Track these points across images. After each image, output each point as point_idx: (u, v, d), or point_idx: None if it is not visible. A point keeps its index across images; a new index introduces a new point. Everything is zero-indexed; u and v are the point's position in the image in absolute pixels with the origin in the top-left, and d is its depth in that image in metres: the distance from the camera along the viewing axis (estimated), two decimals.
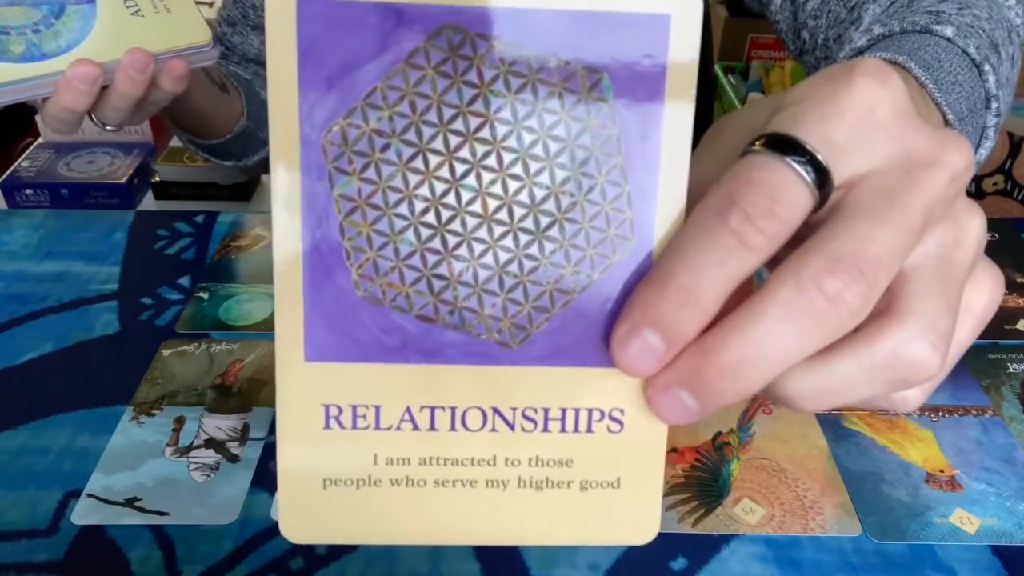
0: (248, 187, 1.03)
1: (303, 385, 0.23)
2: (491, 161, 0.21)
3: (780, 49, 1.69)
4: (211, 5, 1.04)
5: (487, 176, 0.22)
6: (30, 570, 0.42)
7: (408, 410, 0.23)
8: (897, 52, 0.38)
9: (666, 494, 0.46)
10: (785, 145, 0.21)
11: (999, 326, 0.60)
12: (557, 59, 0.21)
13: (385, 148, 0.21)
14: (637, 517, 0.24)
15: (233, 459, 0.48)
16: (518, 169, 0.21)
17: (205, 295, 0.62)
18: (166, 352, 0.56)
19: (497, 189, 0.22)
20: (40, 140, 1.15)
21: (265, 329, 0.58)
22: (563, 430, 0.23)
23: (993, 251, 0.61)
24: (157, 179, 1.05)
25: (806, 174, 0.21)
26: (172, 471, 0.47)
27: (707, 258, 0.20)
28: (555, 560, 0.43)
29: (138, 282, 0.63)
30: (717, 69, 1.64)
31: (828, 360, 0.22)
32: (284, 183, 0.21)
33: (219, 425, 0.51)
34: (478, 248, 0.22)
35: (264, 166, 0.81)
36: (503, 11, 0.21)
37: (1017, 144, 1.15)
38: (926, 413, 0.52)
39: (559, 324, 0.22)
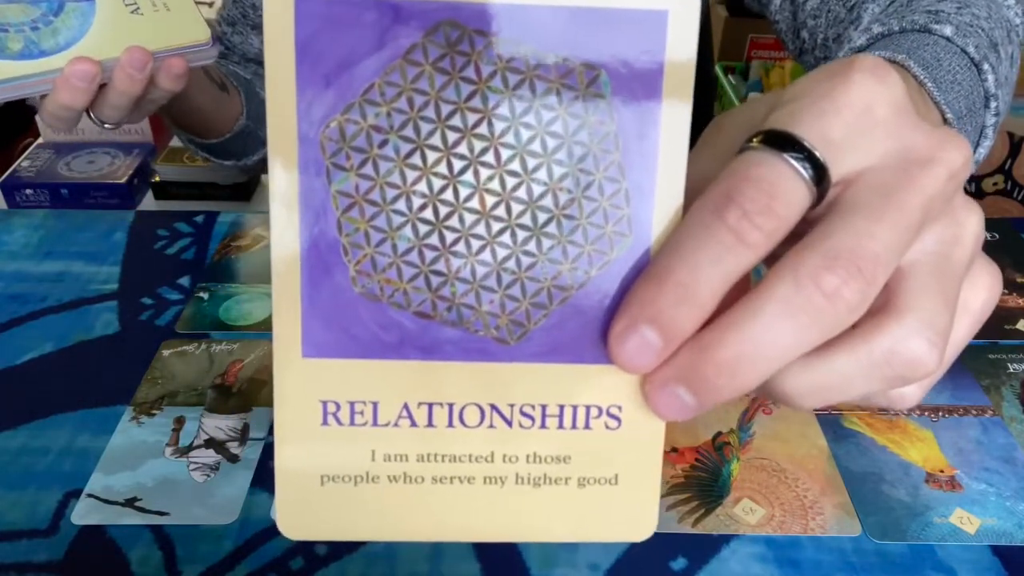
0: (248, 187, 1.03)
1: (301, 381, 0.23)
2: (489, 157, 0.21)
3: (780, 49, 1.69)
4: (211, 5, 1.04)
5: (485, 172, 0.22)
6: (30, 570, 0.42)
7: (406, 406, 0.23)
8: (896, 51, 0.38)
9: (666, 494, 0.46)
10: (783, 142, 0.21)
11: (999, 326, 0.59)
12: (555, 55, 0.21)
13: (383, 144, 0.21)
14: (635, 514, 0.24)
15: (233, 459, 0.48)
16: (516, 165, 0.21)
17: (205, 295, 0.62)
18: (166, 352, 0.56)
19: (495, 185, 0.22)
20: (40, 140, 1.15)
21: (265, 329, 0.58)
22: (561, 427, 0.23)
23: (993, 251, 0.61)
24: (157, 179, 1.05)
25: (804, 171, 0.21)
26: (172, 471, 0.47)
27: (705, 255, 0.20)
28: (555, 560, 0.43)
29: (138, 282, 0.63)
30: (717, 69, 1.64)
31: (826, 357, 0.22)
32: (282, 179, 0.21)
33: (219, 425, 0.51)
34: (476, 244, 0.22)
35: (264, 165, 0.81)
36: (501, 7, 0.21)
37: (1017, 144, 1.15)
38: (926, 413, 0.52)
39: (557, 321, 0.22)
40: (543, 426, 0.23)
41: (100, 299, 0.61)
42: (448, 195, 0.22)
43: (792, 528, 0.44)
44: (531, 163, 0.21)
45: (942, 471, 0.48)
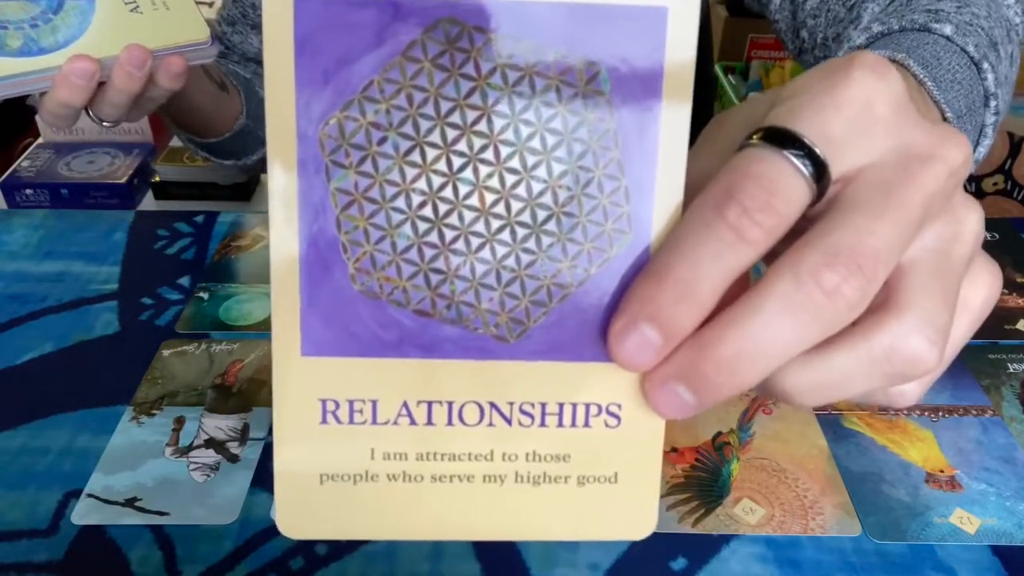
0: (248, 187, 1.03)
1: (300, 380, 0.23)
2: (488, 155, 0.21)
3: (780, 49, 1.69)
4: (211, 5, 1.04)
5: (484, 170, 0.21)
6: (30, 570, 0.42)
7: (405, 405, 0.23)
8: (896, 50, 0.38)
9: (666, 494, 0.46)
10: (783, 138, 0.21)
11: (999, 326, 0.59)
12: (554, 52, 0.21)
13: (382, 141, 0.21)
14: (634, 512, 0.24)
15: (233, 459, 0.48)
16: (515, 163, 0.21)
17: (205, 295, 0.62)
18: (166, 352, 0.56)
19: (494, 183, 0.22)
20: (40, 140, 1.15)
21: (265, 329, 0.58)
22: (560, 425, 0.23)
23: (993, 251, 0.61)
24: (157, 179, 1.05)
25: (804, 168, 0.21)
26: (172, 471, 0.47)
27: (705, 252, 0.20)
28: (555, 560, 0.43)
29: (138, 282, 0.63)
30: (717, 69, 1.64)
31: (825, 354, 0.22)
32: (281, 177, 0.21)
33: (219, 425, 0.51)
34: (475, 242, 0.22)
35: (264, 165, 0.81)
36: (500, 4, 0.21)
37: (1017, 144, 1.15)
38: (926, 413, 0.52)
39: (556, 318, 0.22)
40: (543, 424, 0.23)
41: (100, 299, 0.61)
42: (447, 192, 0.22)
43: (792, 528, 0.44)
44: (530, 160, 0.21)
45: (942, 471, 0.48)
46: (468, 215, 0.22)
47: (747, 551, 0.43)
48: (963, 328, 0.24)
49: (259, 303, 0.61)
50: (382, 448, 0.23)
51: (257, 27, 0.82)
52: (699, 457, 0.49)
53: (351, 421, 0.23)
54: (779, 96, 0.23)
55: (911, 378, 0.22)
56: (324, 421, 0.23)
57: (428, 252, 0.22)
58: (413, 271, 0.22)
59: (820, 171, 0.21)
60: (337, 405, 0.23)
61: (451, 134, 0.21)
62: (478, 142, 0.21)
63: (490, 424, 0.23)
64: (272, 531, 0.44)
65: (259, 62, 0.83)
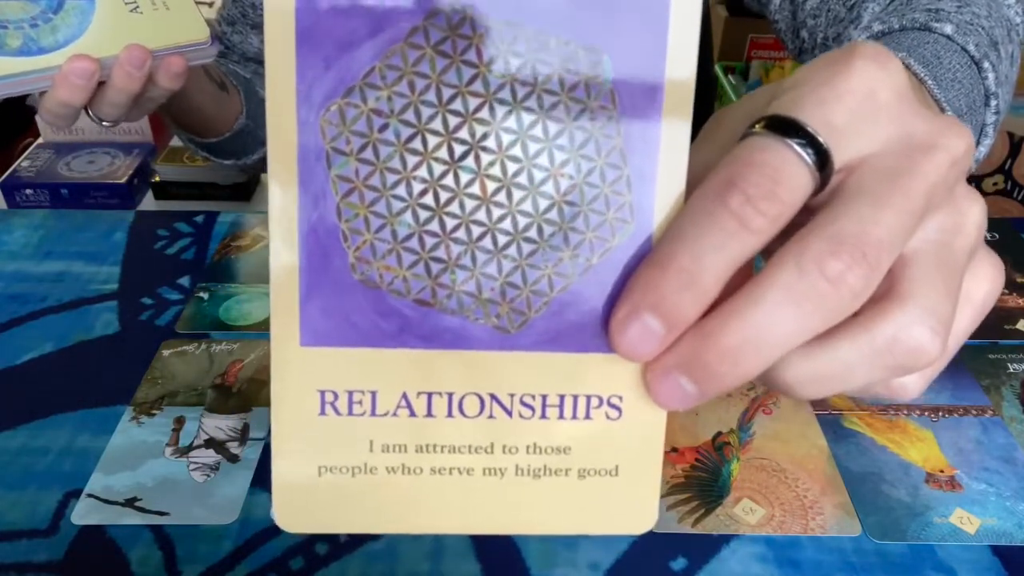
0: (248, 187, 1.03)
1: (299, 371, 0.23)
2: (490, 142, 0.21)
3: (780, 49, 1.69)
4: (211, 5, 1.04)
5: (486, 158, 0.21)
6: (30, 570, 0.42)
7: (405, 396, 0.23)
8: (896, 49, 0.38)
9: (666, 494, 0.46)
10: (786, 127, 0.21)
11: (999, 326, 0.59)
12: (557, 39, 0.21)
13: (383, 128, 0.21)
14: (635, 506, 0.24)
15: (233, 459, 0.48)
16: (517, 151, 0.21)
17: (205, 295, 0.62)
18: (166, 352, 0.56)
19: (496, 171, 0.21)
20: (40, 140, 1.15)
21: (265, 329, 0.58)
22: (561, 417, 0.23)
23: (993, 251, 0.61)
24: (157, 179, 1.05)
25: (807, 156, 0.21)
26: (172, 471, 0.47)
27: (708, 240, 0.20)
28: (555, 559, 0.43)
29: (138, 282, 0.63)
30: (717, 69, 1.64)
31: (828, 345, 0.22)
32: (281, 165, 0.21)
33: (219, 425, 0.51)
34: (476, 231, 0.22)
35: (264, 165, 0.81)
36: None
37: (1017, 144, 1.15)
38: (926, 413, 0.52)
39: (557, 309, 0.22)
40: (543, 416, 0.23)
41: (100, 299, 0.61)
42: (448, 180, 0.21)
43: (792, 528, 0.44)
44: (532, 148, 0.21)
45: (942, 471, 0.48)
46: (469, 203, 0.22)
47: (747, 551, 0.43)
48: (965, 321, 0.24)
49: (259, 303, 0.61)
50: (381, 440, 0.23)
51: (257, 27, 0.82)
52: (699, 457, 0.49)
53: (350, 412, 0.23)
54: (781, 88, 0.23)
55: (913, 369, 0.22)
56: (323, 412, 0.23)
57: (429, 241, 0.22)
58: (413, 260, 0.22)
59: (823, 159, 0.21)
60: (336, 396, 0.23)
61: (452, 121, 0.21)
62: (479, 130, 0.21)
63: (490, 416, 0.23)
64: (272, 531, 0.44)
65: (259, 62, 0.83)
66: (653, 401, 0.22)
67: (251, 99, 0.78)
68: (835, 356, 0.22)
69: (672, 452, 0.49)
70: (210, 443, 0.49)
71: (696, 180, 0.21)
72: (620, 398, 0.23)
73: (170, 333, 0.58)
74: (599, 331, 0.22)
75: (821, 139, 0.21)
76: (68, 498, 0.46)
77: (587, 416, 0.23)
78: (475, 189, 0.21)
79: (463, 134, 0.21)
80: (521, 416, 0.23)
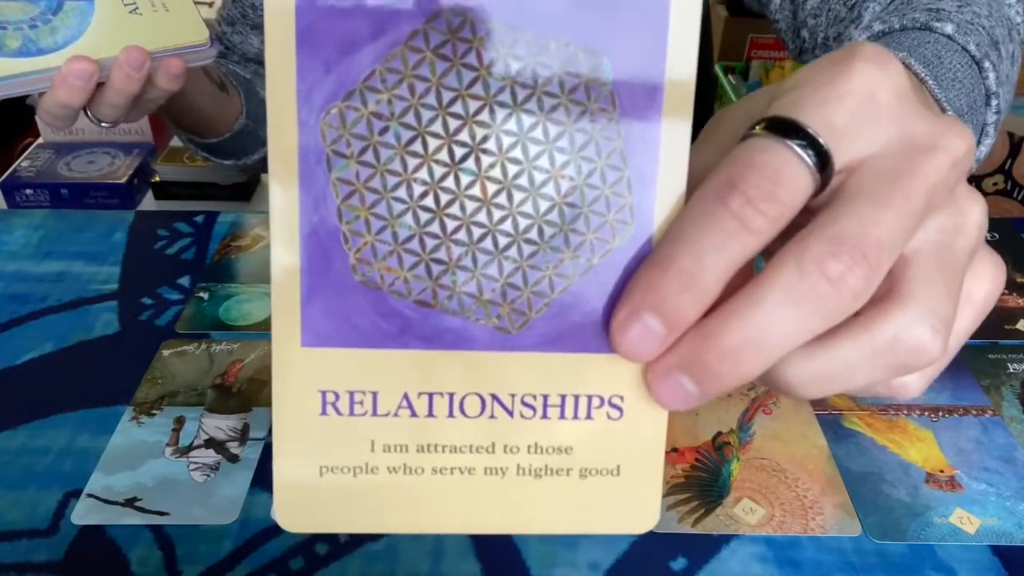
0: (248, 187, 1.03)
1: (300, 371, 0.23)
2: (490, 145, 0.21)
3: (780, 49, 1.69)
4: (211, 5, 1.04)
5: (486, 160, 0.21)
6: (30, 570, 0.42)
7: (406, 396, 0.23)
8: (897, 49, 0.38)
9: (666, 494, 0.46)
10: (786, 128, 0.21)
11: (999, 326, 0.59)
12: (557, 41, 0.21)
13: (384, 131, 0.21)
14: (637, 505, 0.24)
15: (233, 459, 0.48)
16: (517, 153, 0.21)
17: (205, 295, 0.62)
18: (166, 352, 0.56)
19: (496, 173, 0.21)
20: (40, 140, 1.15)
21: (265, 329, 0.58)
22: (562, 417, 0.23)
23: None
24: (157, 179, 1.05)
25: (807, 157, 0.21)
26: (172, 471, 0.47)
27: (708, 241, 0.20)
28: (555, 559, 0.43)
29: (138, 282, 0.63)
30: (717, 69, 1.64)
31: (828, 345, 0.22)
32: (281, 167, 0.21)
33: (219, 425, 0.51)
34: (477, 232, 0.22)
35: (264, 165, 0.81)
36: None
37: (1017, 144, 1.15)
38: (926, 413, 0.52)
39: (558, 310, 0.22)
40: (544, 416, 0.23)
41: (100, 299, 0.61)
42: (449, 183, 0.21)
43: (792, 528, 0.44)
44: (533, 150, 0.21)
45: (942, 471, 0.48)
46: (470, 205, 0.22)
47: (747, 551, 0.43)
48: (966, 321, 0.24)
49: (259, 303, 0.61)
50: (382, 440, 0.23)
51: (257, 27, 0.82)
52: (699, 457, 0.49)
53: (351, 413, 0.23)
54: (781, 89, 0.23)
55: (914, 369, 0.22)
56: (324, 412, 0.23)
57: (429, 242, 0.22)
58: (414, 261, 0.22)
59: (823, 160, 0.21)
60: (337, 396, 0.23)
61: (453, 124, 0.21)
62: (480, 132, 0.21)
63: (491, 416, 0.23)
64: (272, 531, 0.44)
65: (259, 62, 0.83)
66: (654, 401, 0.22)
67: (251, 99, 0.78)
68: (836, 356, 0.22)
69: (672, 452, 0.49)
70: (210, 443, 0.49)
71: (696, 181, 0.21)
72: (621, 398, 0.23)
73: (170, 333, 0.58)
74: (600, 332, 0.22)
75: (822, 140, 0.21)
76: (68, 498, 0.46)
77: (588, 416, 0.23)
78: (476, 191, 0.21)
79: (463, 136, 0.21)
80: (522, 416, 0.23)
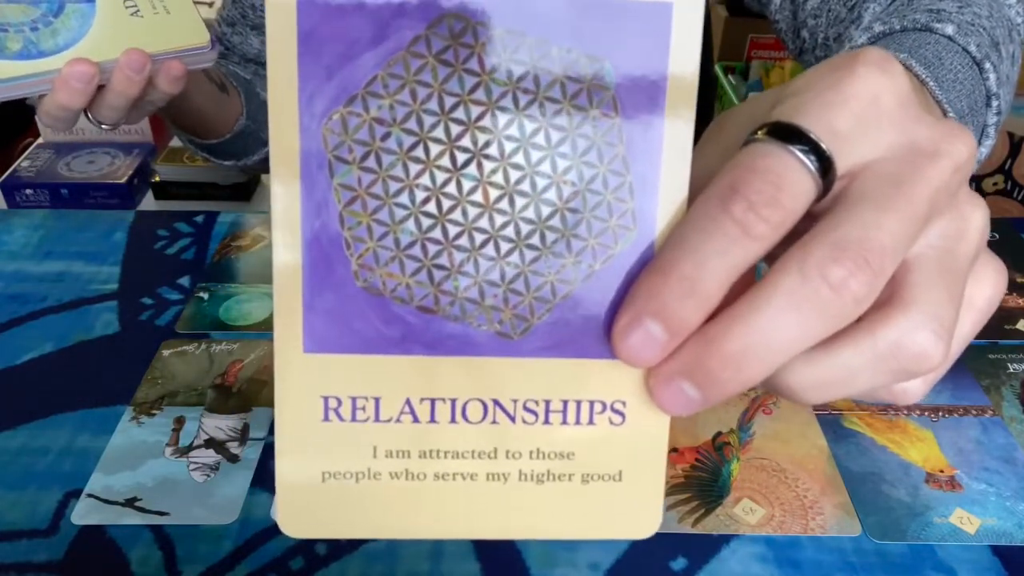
0: (248, 187, 1.03)
1: (302, 377, 0.23)
2: (492, 150, 0.21)
3: (780, 49, 1.69)
4: (211, 5, 1.04)
5: (488, 165, 0.21)
6: (30, 570, 0.42)
7: (408, 402, 0.23)
8: (898, 50, 0.38)
9: (666, 494, 0.46)
10: (788, 134, 0.21)
11: (999, 326, 0.59)
12: (559, 47, 0.21)
13: (385, 137, 0.21)
14: (639, 511, 0.24)
15: (233, 459, 0.48)
16: (519, 158, 0.21)
17: (205, 295, 0.62)
18: (166, 352, 0.56)
19: (498, 178, 0.21)
20: (40, 140, 1.15)
21: (265, 329, 0.58)
22: (564, 422, 0.23)
23: (993, 251, 0.62)
24: (157, 179, 1.05)
25: (809, 162, 0.21)
26: (172, 471, 0.47)
27: (710, 247, 0.20)
28: (555, 560, 0.43)
29: (138, 282, 0.63)
30: (717, 69, 1.64)
31: (830, 350, 0.22)
32: (283, 173, 0.21)
33: (219, 425, 0.51)
34: (479, 238, 0.22)
35: (264, 165, 0.81)
36: None
37: (1017, 144, 1.15)
38: (926, 413, 0.52)
39: (560, 315, 0.22)
40: (547, 422, 0.23)
41: (100, 299, 0.61)
42: (451, 188, 0.21)
43: (792, 528, 0.44)
44: (534, 156, 0.21)
45: (942, 471, 0.48)
46: (472, 211, 0.22)
47: (747, 551, 0.43)
48: (968, 326, 0.24)
49: (259, 303, 0.61)
50: (384, 446, 0.23)
51: (256, 28, 0.81)
52: (699, 457, 0.49)
53: (353, 419, 0.23)
54: (783, 93, 0.23)
55: (916, 374, 0.22)
56: (326, 419, 0.23)
57: (431, 248, 0.22)
58: (416, 267, 0.22)
59: (826, 166, 0.21)
60: (339, 402, 0.23)
61: (455, 130, 0.21)
62: (482, 137, 0.21)
63: (493, 422, 0.23)
64: (272, 531, 0.44)
65: (259, 63, 0.83)
66: (656, 407, 0.22)
67: (251, 100, 0.77)
68: (838, 361, 0.22)
69: (672, 452, 0.49)
70: (210, 443, 0.49)
71: (698, 186, 0.21)
72: (623, 403, 0.23)
73: (170, 333, 0.58)
74: (602, 337, 0.22)
75: (824, 146, 0.21)
76: (68, 498, 0.46)
77: (590, 421, 0.23)
78: (477, 196, 0.21)
79: (465, 142, 0.21)
80: (524, 421, 0.23)
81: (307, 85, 0.21)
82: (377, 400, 0.23)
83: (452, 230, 0.22)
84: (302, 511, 0.24)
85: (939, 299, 0.22)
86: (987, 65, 0.40)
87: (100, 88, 0.58)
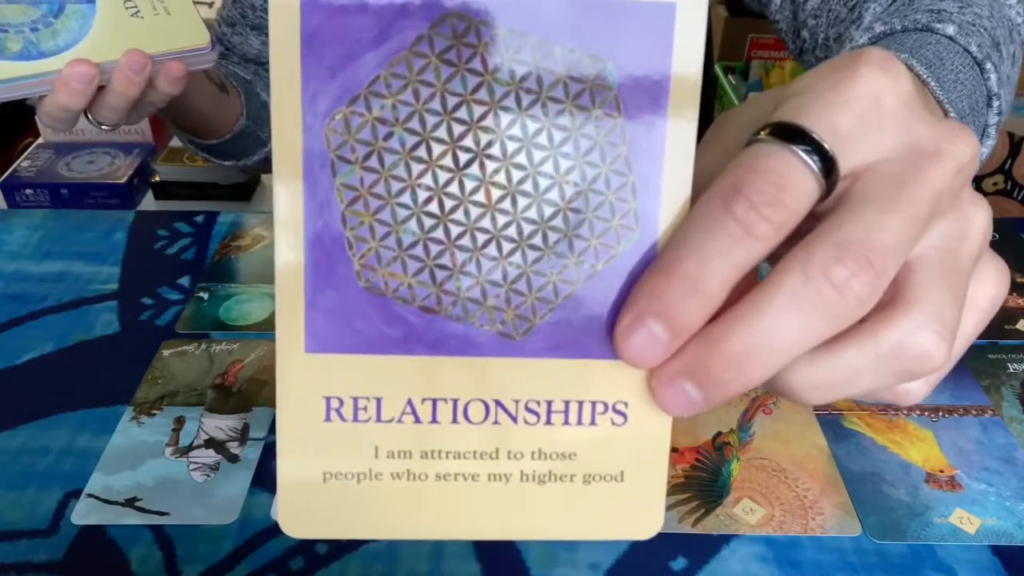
0: (248, 187, 1.03)
1: (304, 377, 0.23)
2: (495, 150, 0.21)
3: (780, 49, 1.69)
4: (211, 5, 1.04)
5: (491, 165, 0.21)
6: (30, 570, 0.42)
7: (410, 402, 0.23)
8: (899, 50, 0.38)
9: (666, 494, 0.46)
10: (791, 134, 0.21)
11: (999, 326, 0.59)
12: (561, 47, 0.21)
13: (388, 136, 0.21)
14: (641, 511, 0.24)
15: (233, 459, 0.48)
16: (522, 158, 0.21)
17: (205, 295, 0.62)
18: (166, 352, 0.56)
19: (500, 178, 0.21)
20: (40, 140, 1.15)
21: (265, 329, 0.58)
22: (566, 423, 0.23)
23: (993, 251, 0.61)
24: (157, 179, 1.05)
25: (812, 163, 0.21)
26: (172, 471, 0.47)
27: (713, 247, 0.20)
28: (555, 560, 0.43)
29: (138, 282, 0.63)
30: (717, 69, 1.64)
31: (833, 351, 0.22)
32: (286, 173, 0.21)
33: (219, 425, 0.51)
34: (481, 238, 0.22)
35: (264, 165, 0.81)
36: None
37: (1017, 144, 1.15)
38: (926, 413, 0.52)
39: (562, 315, 0.22)
40: (548, 422, 0.23)
41: (100, 299, 0.61)
42: (453, 188, 0.21)
43: (792, 528, 0.44)
44: (537, 156, 0.21)
45: (942, 471, 0.48)
46: (474, 211, 0.22)
47: (747, 551, 0.43)
48: (971, 326, 0.24)
49: (259, 303, 0.61)
50: (386, 446, 0.23)
51: (256, 28, 0.81)
52: (699, 457, 0.49)
53: (355, 419, 0.23)
54: (785, 93, 0.23)
55: (919, 375, 0.22)
56: (328, 419, 0.23)
57: (434, 248, 0.22)
58: (418, 267, 0.22)
59: (829, 166, 0.21)
60: (341, 403, 0.23)
61: (457, 130, 0.21)
62: (484, 137, 0.21)
63: (495, 422, 0.23)
64: (272, 531, 0.44)
65: (259, 63, 0.83)
66: (659, 408, 0.22)
67: (251, 101, 0.77)
68: (841, 362, 0.22)
69: (672, 452, 0.49)
70: (210, 443, 0.49)
71: (701, 186, 0.21)
72: (625, 404, 0.23)
73: (170, 333, 0.58)
74: (604, 337, 0.22)
75: (827, 146, 0.21)
76: (68, 498, 0.46)
77: (592, 422, 0.23)
78: (480, 196, 0.21)
79: (468, 142, 0.21)
80: (526, 422, 0.23)
81: (310, 85, 0.21)
82: (379, 400, 0.23)
83: (454, 230, 0.22)
84: (303, 511, 0.24)
85: (942, 300, 0.21)
86: (988, 65, 0.40)
87: (100, 89, 0.58)
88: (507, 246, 0.22)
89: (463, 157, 0.21)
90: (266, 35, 0.80)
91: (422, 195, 0.21)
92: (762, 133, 0.21)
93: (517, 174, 0.21)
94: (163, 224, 0.70)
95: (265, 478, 0.47)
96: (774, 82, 1.61)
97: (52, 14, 0.58)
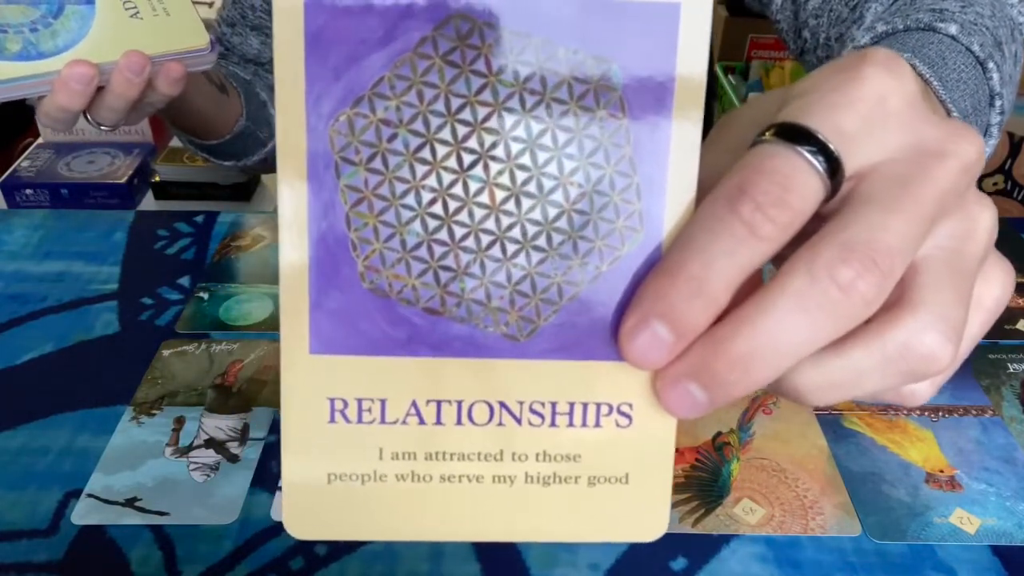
0: (248, 187, 1.03)
1: (308, 378, 0.23)
2: (499, 151, 0.21)
3: (780, 49, 1.69)
4: (210, 5, 1.04)
5: (495, 167, 0.21)
6: (30, 570, 0.42)
7: (414, 404, 0.23)
8: (901, 49, 0.38)
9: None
10: (796, 134, 0.21)
11: (999, 326, 0.59)
12: (565, 48, 0.21)
13: (392, 138, 0.21)
14: (645, 513, 0.24)
15: (233, 459, 0.48)
16: (526, 160, 0.21)
17: (205, 295, 0.62)
18: (166, 352, 0.56)
19: (505, 179, 0.21)
20: (40, 140, 1.15)
21: (265, 329, 0.58)
22: (571, 424, 0.23)
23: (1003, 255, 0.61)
24: (157, 179, 1.05)
25: (817, 163, 0.21)
26: (172, 471, 0.47)
27: (718, 248, 0.20)
28: (555, 560, 0.43)
29: (138, 282, 0.63)
30: (717, 69, 1.64)
31: (839, 352, 0.22)
32: (290, 174, 0.21)
33: (219, 425, 0.51)
34: (485, 239, 0.22)
35: (264, 166, 0.81)
36: (511, 0, 0.21)
37: (1017, 144, 1.15)
38: (926, 413, 0.52)
39: (567, 317, 0.22)
40: (553, 424, 0.23)
41: (100, 299, 0.61)
42: (458, 189, 0.21)
43: (792, 528, 0.44)
44: (541, 157, 0.21)
45: (942, 471, 0.48)
46: (478, 212, 0.22)
47: (747, 551, 0.43)
48: (976, 326, 0.24)
49: (259, 303, 0.61)
50: (391, 448, 0.23)
51: (256, 28, 0.81)
52: (699, 457, 0.49)
53: (360, 420, 0.23)
54: (790, 93, 0.23)
55: (925, 376, 0.22)
56: (332, 420, 0.23)
57: (438, 249, 0.22)
58: (423, 269, 0.22)
59: (834, 167, 0.21)
60: (346, 404, 0.23)
61: (461, 131, 0.21)
62: (488, 139, 0.21)
63: (500, 424, 0.23)
64: (272, 531, 0.44)
65: (259, 63, 0.83)
66: (663, 409, 0.22)
67: (251, 101, 0.77)
68: (846, 363, 0.22)
69: None
70: (210, 443, 0.49)
71: (705, 186, 0.21)
72: (630, 406, 0.23)
73: (170, 333, 0.58)
74: (609, 339, 0.22)
75: (832, 146, 0.21)
76: (68, 498, 0.46)
77: (597, 424, 0.23)
78: (484, 198, 0.21)
79: (472, 143, 0.21)
80: (530, 424, 0.23)
81: (314, 86, 0.21)
82: (383, 402, 0.23)
83: (458, 231, 0.22)
84: (307, 512, 0.24)
85: (948, 300, 0.21)
86: (990, 65, 0.40)
87: (99, 90, 0.58)
88: (511, 247, 0.22)
89: (467, 158, 0.21)
90: (266, 35, 0.80)
91: (426, 196, 0.21)
92: (767, 134, 0.21)
93: (521, 175, 0.21)
94: (163, 224, 0.70)
95: (265, 478, 0.47)
96: (774, 82, 1.61)
97: (51, 15, 0.58)
